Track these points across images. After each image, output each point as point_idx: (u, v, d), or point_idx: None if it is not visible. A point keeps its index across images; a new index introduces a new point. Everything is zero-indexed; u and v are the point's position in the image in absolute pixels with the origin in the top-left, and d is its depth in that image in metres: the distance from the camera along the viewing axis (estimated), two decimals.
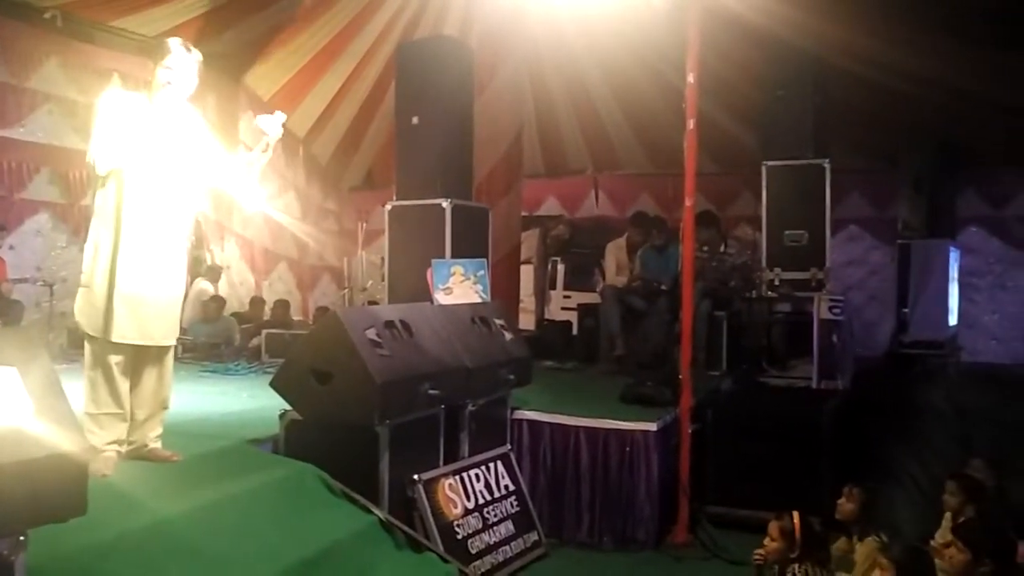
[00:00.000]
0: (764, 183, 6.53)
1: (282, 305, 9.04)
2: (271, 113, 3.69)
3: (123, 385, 3.25)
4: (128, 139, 3.16)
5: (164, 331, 3.33)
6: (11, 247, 7.32)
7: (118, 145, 3.15)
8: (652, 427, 4.48)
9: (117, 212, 3.19)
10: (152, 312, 3.25)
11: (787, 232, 6.37)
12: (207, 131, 3.55)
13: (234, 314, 8.89)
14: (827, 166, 6.29)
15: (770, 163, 6.52)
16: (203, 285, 8.78)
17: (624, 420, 4.55)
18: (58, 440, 2.11)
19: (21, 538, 2.07)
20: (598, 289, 8.10)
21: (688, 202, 4.95)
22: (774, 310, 6.88)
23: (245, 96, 9.96)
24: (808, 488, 4.27)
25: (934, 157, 8.22)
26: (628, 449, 4.47)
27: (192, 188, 3.48)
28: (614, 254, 7.41)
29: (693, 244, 5.04)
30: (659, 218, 7.79)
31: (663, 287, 6.55)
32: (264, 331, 7.46)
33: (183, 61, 3.31)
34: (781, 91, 6.62)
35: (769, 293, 6.40)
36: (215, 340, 7.54)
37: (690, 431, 4.67)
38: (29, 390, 2.14)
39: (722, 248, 6.78)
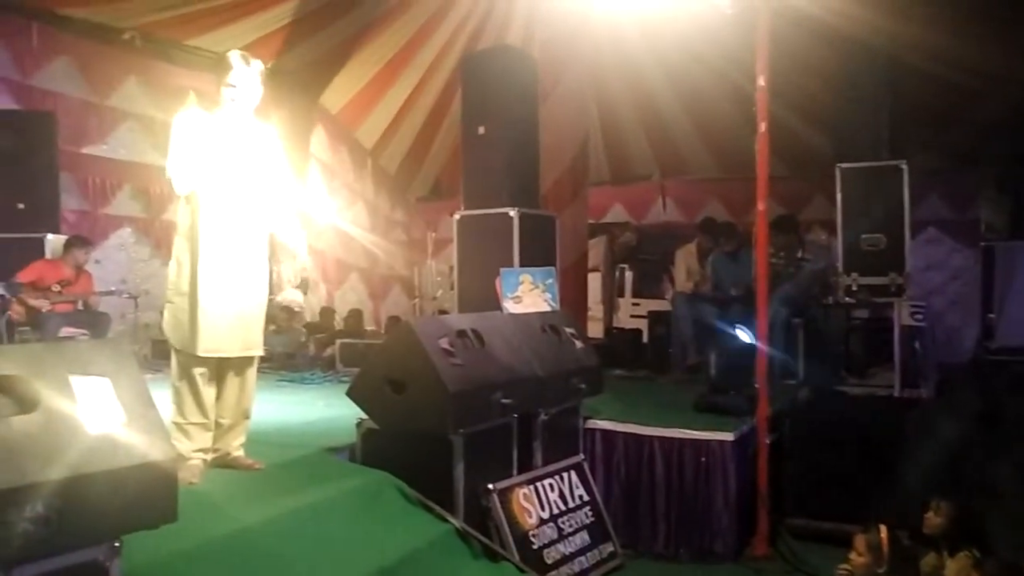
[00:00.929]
0: (838, 186, 6.34)
1: (355, 315, 9.19)
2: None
3: (208, 395, 3.34)
4: (204, 159, 3.24)
5: (247, 343, 3.41)
6: (97, 261, 7.60)
7: (195, 166, 3.22)
8: (729, 437, 4.39)
9: (197, 229, 3.27)
10: (235, 324, 3.33)
11: (864, 236, 6.18)
12: (277, 146, 3.61)
13: (306, 324, 9.08)
14: (904, 167, 6.09)
15: (844, 165, 6.33)
16: (292, 295, 9.05)
17: (699, 430, 4.47)
18: (149, 449, 2.17)
19: (116, 544, 2.14)
20: (667, 296, 8.00)
21: (761, 207, 4.85)
22: (852, 316, 6.69)
23: (316, 110, 10.17)
24: (892, 500, 4.13)
25: (1017, 155, 7.90)
26: (704, 459, 4.39)
27: (267, 202, 3.55)
28: (684, 260, 7.32)
29: (768, 249, 4.93)
30: (729, 223, 7.66)
31: (736, 294, 6.43)
32: (338, 341, 7.58)
33: (245, 74, 3.36)
34: (852, 91, 6.44)
35: (846, 299, 6.22)
36: (289, 350, 7.70)
37: (768, 441, 4.56)
38: (121, 400, 2.20)
39: (799, 254, 6.62)
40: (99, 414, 2.12)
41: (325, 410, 5.17)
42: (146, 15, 7.95)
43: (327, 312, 10.01)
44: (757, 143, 4.83)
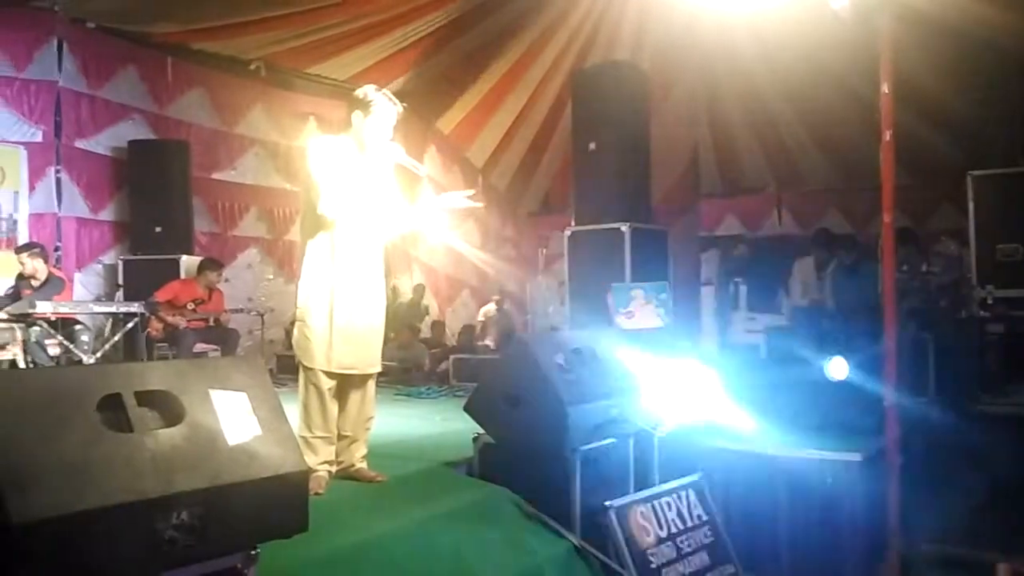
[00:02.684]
0: (970, 195, 6.04)
1: (467, 331, 9.33)
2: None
3: (333, 410, 3.46)
4: (345, 186, 3.36)
5: (370, 359, 3.53)
6: (226, 280, 8.02)
7: (341, 193, 3.34)
8: (856, 457, 4.21)
9: (330, 252, 3.40)
10: (360, 342, 3.45)
11: (999, 247, 5.85)
12: (409, 162, 3.72)
13: (419, 339, 9.29)
14: None
15: (976, 173, 6.02)
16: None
17: (825, 450, 4.31)
18: (283, 461, 2.26)
19: (253, 552, 2.23)
20: (783, 310, 7.77)
21: (887, 218, 4.64)
22: (986, 331, 6.31)
23: (429, 131, 10.43)
24: None
25: None
26: (830, 481, 4.22)
27: (389, 225, 3.66)
28: (801, 274, 7.09)
29: (893, 262, 4.72)
30: (849, 235, 7.38)
31: (856, 308, 6.18)
32: (451, 356, 7.72)
33: (388, 112, 3.48)
34: (984, 95, 6.12)
35: (981, 313, 5.88)
36: (407, 365, 7.88)
37: (898, 462, 4.34)
38: (256, 414, 2.31)
39: (924, 267, 6.31)
40: (237, 427, 2.22)
41: (442, 424, 5.27)
42: (271, 46, 8.38)
43: (438, 327, 10.21)
44: (882, 152, 4.64)
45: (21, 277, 6.37)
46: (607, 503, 3.68)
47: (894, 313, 4.61)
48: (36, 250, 6.39)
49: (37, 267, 6.30)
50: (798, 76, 8.80)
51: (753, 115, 9.91)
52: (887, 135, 4.62)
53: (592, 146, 6.26)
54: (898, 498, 4.29)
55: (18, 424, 1.84)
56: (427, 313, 10.42)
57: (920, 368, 5.85)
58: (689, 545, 3.96)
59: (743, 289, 10.35)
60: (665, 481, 4.14)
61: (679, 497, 4.10)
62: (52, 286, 6.28)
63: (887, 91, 4.62)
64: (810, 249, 7.21)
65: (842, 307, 6.36)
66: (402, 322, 9.66)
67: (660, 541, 3.82)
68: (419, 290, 10.47)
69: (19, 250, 6.47)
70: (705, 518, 4.16)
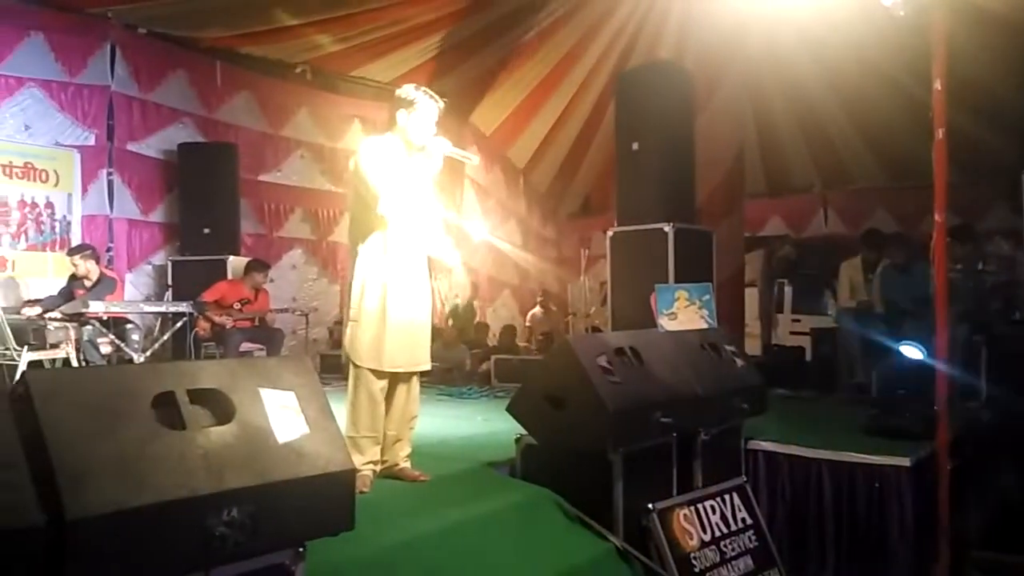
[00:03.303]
0: None
1: (508, 331, 9.35)
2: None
3: (381, 410, 3.50)
4: (396, 185, 3.41)
5: (419, 358, 3.57)
6: (271, 280, 8.14)
7: (395, 192, 3.38)
8: (905, 462, 4.12)
9: (382, 251, 3.44)
10: (409, 341, 3.49)
11: None
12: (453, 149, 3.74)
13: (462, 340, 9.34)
14: None
15: None
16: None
17: (872, 454, 4.22)
18: (330, 459, 2.29)
19: (300, 549, 2.27)
20: (829, 312, 7.65)
21: (939, 218, 4.55)
22: None
23: (469, 132, 10.48)
24: None
25: None
26: (878, 485, 4.14)
27: (432, 223, 3.70)
28: (848, 275, 6.96)
29: (946, 262, 4.62)
30: (898, 235, 7.24)
31: (906, 310, 6.06)
32: (493, 356, 7.73)
33: (430, 110, 3.52)
34: None
35: None
36: (448, 365, 7.92)
37: (949, 467, 4.25)
38: (305, 413, 2.35)
39: (979, 266, 6.16)
40: (286, 425, 2.26)
41: (483, 425, 5.29)
42: (316, 49, 8.48)
43: (481, 327, 10.25)
44: (934, 150, 4.54)
45: (74, 277, 6.55)
46: (650, 505, 3.66)
47: (946, 315, 4.52)
48: (88, 252, 6.56)
49: (89, 268, 6.47)
50: (845, 73, 8.66)
51: (799, 113, 9.78)
52: (939, 133, 4.53)
53: (635, 146, 6.22)
54: (948, 504, 4.21)
55: (76, 421, 1.89)
56: (476, 314, 10.52)
57: (972, 370, 5.72)
58: (733, 549, 3.92)
59: (788, 290, 10.23)
60: (708, 484, 4.11)
61: (723, 500, 4.07)
62: (104, 286, 6.44)
63: (939, 87, 4.53)
64: (859, 249, 7.08)
65: (891, 309, 6.24)
66: (463, 322, 9.80)
67: (703, 545, 3.79)
68: (473, 289, 10.57)
69: (71, 252, 6.65)
70: (749, 522, 4.11)
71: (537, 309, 10.26)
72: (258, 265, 7.37)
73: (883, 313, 6.30)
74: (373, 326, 3.43)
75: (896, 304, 6.22)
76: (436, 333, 9.99)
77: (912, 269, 6.28)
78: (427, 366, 3.64)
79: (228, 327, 6.85)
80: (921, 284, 6.06)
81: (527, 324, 10.35)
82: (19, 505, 1.72)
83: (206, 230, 7.82)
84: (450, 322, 9.98)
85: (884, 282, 6.46)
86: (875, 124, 9.21)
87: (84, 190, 7.61)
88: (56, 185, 7.46)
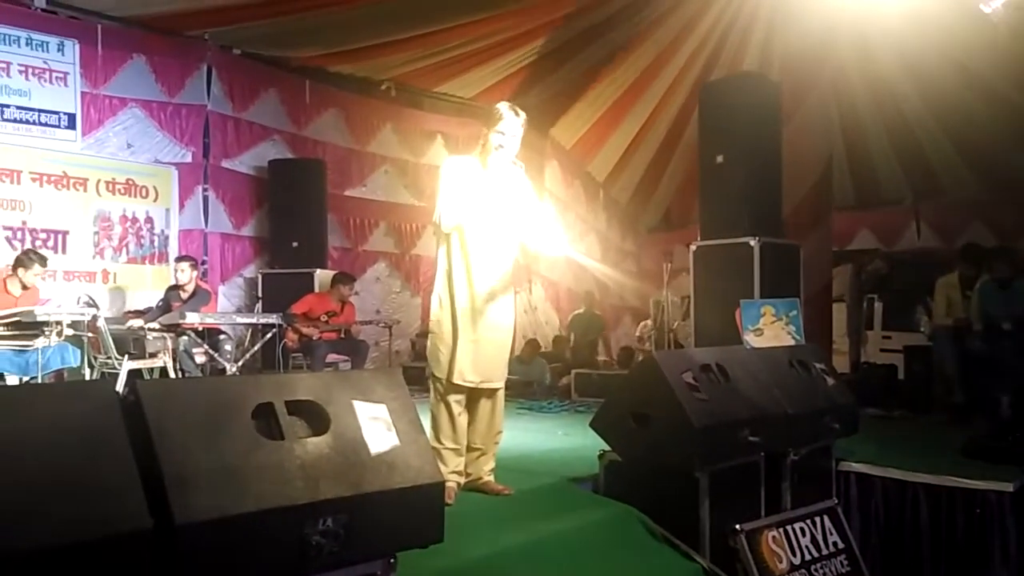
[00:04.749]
0: None
1: (589, 345, 9.30)
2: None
3: (462, 422, 3.54)
4: (468, 200, 3.46)
5: (500, 372, 3.59)
6: (356, 292, 8.32)
7: (460, 206, 3.45)
8: (1008, 487, 3.93)
9: (461, 265, 3.49)
10: (490, 355, 3.52)
11: None
12: (530, 187, 3.78)
13: (540, 353, 9.33)
14: None
15: None
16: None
17: (974, 478, 4.04)
18: (420, 471, 2.33)
19: (391, 560, 2.30)
20: (922, 329, 7.36)
21: None
22: None
23: (550, 146, 10.51)
24: None
25: None
26: (978, 511, 3.96)
27: (516, 240, 3.72)
28: (945, 291, 6.68)
29: None
30: (1002, 248, 6.90)
31: (1008, 327, 5.79)
32: (573, 371, 7.72)
33: (513, 124, 3.55)
34: None
35: None
36: (528, 379, 7.94)
37: None
38: (396, 425, 2.39)
39: None
40: (378, 437, 2.31)
41: (564, 439, 5.28)
42: (401, 66, 8.67)
43: (560, 341, 10.23)
44: None
45: (172, 288, 6.83)
46: (737, 526, 3.58)
47: None
48: (192, 262, 6.93)
49: (191, 277, 6.77)
50: (939, 80, 8.37)
51: (890, 123, 9.49)
52: None
53: (720, 159, 6.13)
54: None
55: (183, 430, 1.97)
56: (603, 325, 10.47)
57: None
58: (824, 574, 3.80)
59: (878, 306, 9.87)
60: (798, 505, 3.99)
61: (813, 523, 3.95)
62: (200, 298, 6.70)
63: None
64: (954, 264, 6.80)
65: (991, 327, 5.97)
66: (595, 332, 9.78)
67: (793, 568, 3.68)
68: (589, 298, 10.51)
69: (180, 259, 7.01)
70: (841, 546, 3.98)
71: (649, 321, 10.06)
72: (344, 278, 7.54)
73: (982, 331, 6.03)
74: (451, 339, 3.47)
75: (996, 322, 5.94)
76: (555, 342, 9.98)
77: (1014, 285, 6.00)
78: (498, 384, 3.62)
79: (315, 339, 7.03)
80: (1021, 301, 5.80)
81: (637, 334, 10.23)
82: (129, 509, 1.79)
83: (295, 244, 8.05)
84: (571, 336, 9.99)
85: (984, 299, 6.18)
86: (971, 134, 8.87)
87: (181, 205, 7.94)
88: (155, 201, 7.80)
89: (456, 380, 3.46)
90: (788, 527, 3.81)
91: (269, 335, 6.65)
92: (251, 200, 8.44)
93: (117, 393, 1.97)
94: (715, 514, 3.56)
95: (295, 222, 8.08)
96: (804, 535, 3.85)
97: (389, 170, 9.46)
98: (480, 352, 3.48)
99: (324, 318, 7.19)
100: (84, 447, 1.81)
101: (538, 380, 8.06)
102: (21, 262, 5.87)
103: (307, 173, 8.26)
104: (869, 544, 4.28)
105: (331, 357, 7.09)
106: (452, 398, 3.50)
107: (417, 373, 7.84)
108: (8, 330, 5.52)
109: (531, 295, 10.72)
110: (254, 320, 6.87)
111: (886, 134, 9.68)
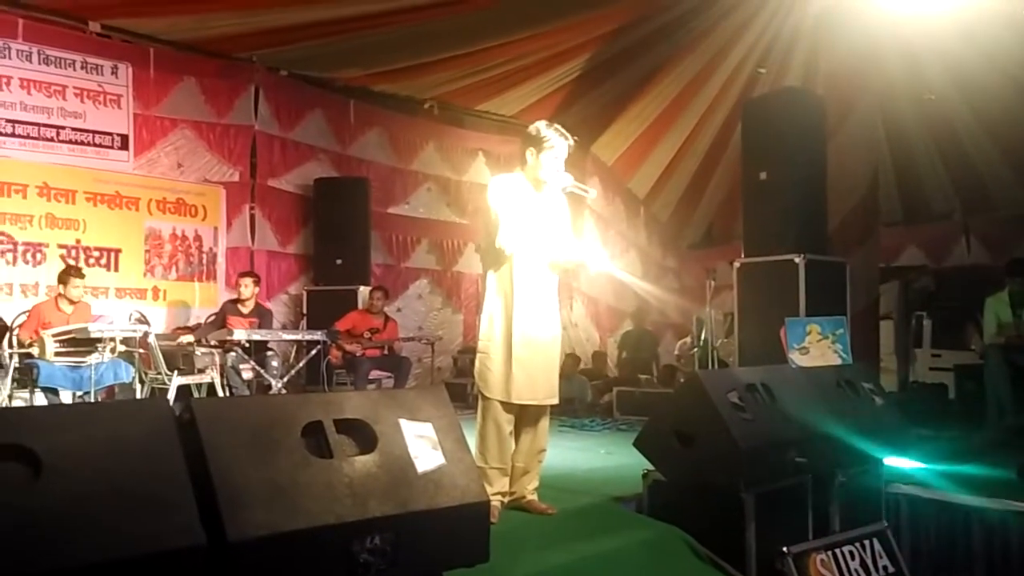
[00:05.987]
0: None
1: (643, 362, 9.26)
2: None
3: (510, 442, 3.54)
4: (523, 222, 3.48)
5: (548, 391, 3.59)
6: (398, 309, 8.39)
7: (519, 229, 3.47)
8: None
9: (510, 286, 3.51)
10: (539, 373, 3.52)
11: None
12: (565, 202, 3.80)
13: (580, 370, 9.30)
14: None
15: None
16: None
17: None
18: (466, 491, 2.34)
19: None
20: (973, 347, 7.19)
21: None
22: None
23: (591, 163, 10.52)
24: None
25: None
26: None
27: (560, 258, 3.73)
28: (995, 309, 6.52)
29: None
30: None
31: None
32: (615, 388, 7.68)
33: (561, 147, 3.57)
34: None
35: None
36: (568, 396, 7.92)
37: None
38: (442, 444, 2.41)
39: None
40: (425, 456, 2.33)
41: (607, 458, 5.25)
42: (443, 85, 8.76)
43: (599, 357, 10.19)
44: None
45: (230, 302, 7.01)
46: (784, 548, 3.53)
47: None
48: (256, 278, 7.18)
49: (253, 293, 6.98)
50: (988, 92, 8.22)
51: (938, 137, 9.33)
52: None
53: (763, 175, 6.08)
54: None
55: (235, 447, 2.01)
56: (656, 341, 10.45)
57: None
58: None
59: (927, 324, 9.66)
60: (846, 528, 3.93)
61: (862, 546, 3.87)
62: (267, 319, 7.00)
63: None
64: (1005, 281, 6.64)
65: None
66: (648, 349, 9.74)
67: None
68: (639, 315, 10.46)
69: (244, 274, 7.21)
70: (892, 570, 3.90)
71: (687, 339, 9.98)
72: (376, 289, 7.64)
73: None
74: (502, 358, 3.48)
75: None
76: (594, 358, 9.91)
77: None
78: (555, 400, 3.65)
79: (359, 355, 7.10)
80: None
81: (675, 352, 10.15)
82: (184, 525, 1.84)
83: (339, 261, 8.16)
84: (623, 354, 9.94)
85: None
86: (1021, 147, 8.67)
87: (228, 224, 8.10)
88: (204, 219, 7.97)
89: (506, 399, 3.46)
90: (837, 550, 3.74)
91: (314, 351, 6.74)
92: (296, 218, 8.57)
93: (173, 411, 2.02)
94: (761, 536, 3.52)
95: (339, 239, 8.19)
96: (853, 558, 3.78)
97: (431, 188, 9.55)
98: (533, 370, 3.49)
99: (367, 335, 7.26)
100: (141, 464, 1.86)
101: (579, 397, 8.03)
102: (62, 279, 6.06)
103: (351, 191, 8.38)
104: (920, 569, 4.18)
105: (374, 374, 7.15)
106: (504, 418, 3.50)
107: (459, 390, 7.89)
108: (64, 346, 5.67)
109: (571, 312, 10.69)
110: (300, 337, 6.97)
111: (933, 147, 9.52)
